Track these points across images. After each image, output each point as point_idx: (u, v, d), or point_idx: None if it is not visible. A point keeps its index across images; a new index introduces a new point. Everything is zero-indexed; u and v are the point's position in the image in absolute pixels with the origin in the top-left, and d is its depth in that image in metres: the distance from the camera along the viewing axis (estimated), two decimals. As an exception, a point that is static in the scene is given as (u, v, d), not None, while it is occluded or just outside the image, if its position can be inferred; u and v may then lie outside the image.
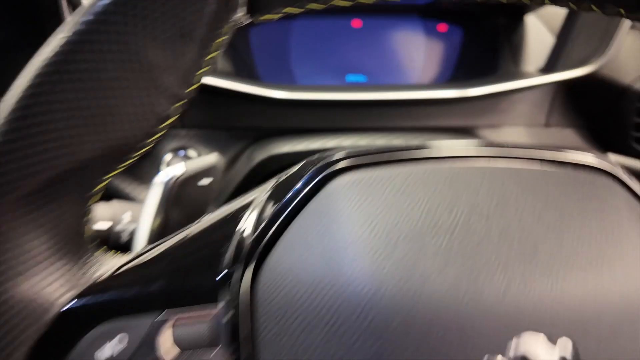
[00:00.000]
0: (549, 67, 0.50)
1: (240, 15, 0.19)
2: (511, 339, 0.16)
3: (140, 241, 0.27)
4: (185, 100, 0.20)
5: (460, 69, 0.66)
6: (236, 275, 0.19)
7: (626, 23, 0.47)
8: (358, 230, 0.18)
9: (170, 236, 0.22)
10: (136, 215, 0.30)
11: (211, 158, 0.29)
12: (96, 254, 0.21)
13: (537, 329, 0.16)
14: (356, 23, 0.67)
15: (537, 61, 0.57)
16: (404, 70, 0.68)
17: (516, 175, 0.20)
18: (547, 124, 0.59)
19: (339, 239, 0.18)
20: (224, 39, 0.19)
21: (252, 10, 0.20)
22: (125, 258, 0.22)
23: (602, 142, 0.57)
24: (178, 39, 0.18)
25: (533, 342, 0.16)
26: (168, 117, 0.19)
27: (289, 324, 0.18)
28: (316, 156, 0.22)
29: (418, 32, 0.68)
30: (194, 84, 0.19)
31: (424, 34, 0.68)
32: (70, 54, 0.17)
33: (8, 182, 0.17)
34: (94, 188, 0.20)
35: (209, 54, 0.19)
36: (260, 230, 0.20)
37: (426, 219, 0.18)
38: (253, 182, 0.44)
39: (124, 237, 0.30)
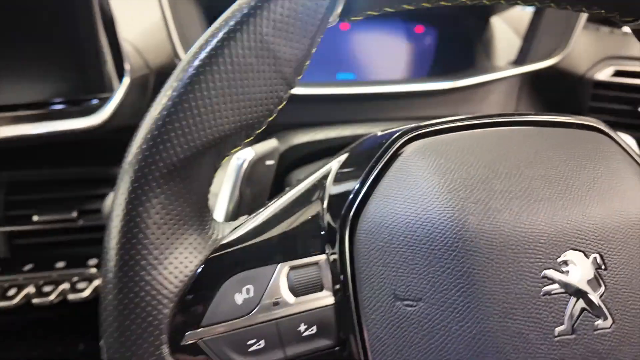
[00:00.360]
0: (520, 60, 0.58)
1: (335, 16, 0.24)
2: (559, 255, 0.22)
3: (220, 215, 0.31)
4: (293, 87, 0.24)
5: (438, 65, 0.74)
6: (337, 228, 0.24)
7: (581, 22, 0.56)
8: (439, 181, 0.23)
9: (266, 206, 0.27)
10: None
11: (272, 142, 0.33)
12: (212, 220, 0.25)
13: (575, 247, 0.22)
14: (344, 25, 0.72)
15: (505, 56, 0.66)
16: (388, 68, 0.75)
17: (545, 134, 0.26)
18: (516, 110, 0.68)
19: (425, 189, 0.23)
20: (321, 36, 0.24)
21: (345, 12, 0.24)
22: (233, 225, 0.26)
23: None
24: (298, 37, 0.22)
25: (574, 258, 0.22)
26: (282, 101, 0.24)
27: (390, 258, 0.23)
28: (380, 132, 0.28)
29: (398, 33, 0.74)
30: (300, 74, 0.24)
31: (403, 35, 0.75)
32: (224, 49, 0.21)
33: (168, 155, 0.21)
34: (221, 160, 0.24)
35: (312, 49, 0.24)
36: (354, 190, 0.24)
37: (488, 169, 0.24)
38: (280, 170, 0.48)
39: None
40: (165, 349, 0.21)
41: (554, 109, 0.65)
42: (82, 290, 0.48)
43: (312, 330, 0.23)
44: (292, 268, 0.24)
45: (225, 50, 0.21)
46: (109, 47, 0.44)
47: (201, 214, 0.24)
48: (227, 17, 0.22)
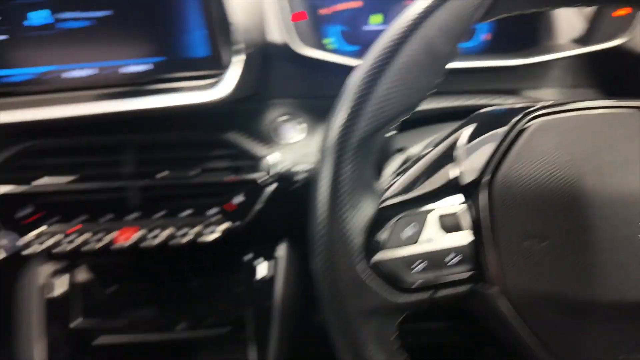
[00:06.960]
0: (585, 39, 0.63)
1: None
2: None
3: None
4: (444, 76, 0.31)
5: (497, 41, 0.78)
6: (478, 184, 0.32)
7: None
8: (560, 153, 0.31)
9: (407, 166, 0.34)
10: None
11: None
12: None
13: None
14: None
15: (567, 35, 0.70)
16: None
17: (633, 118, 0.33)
18: (575, 85, 0.73)
19: (550, 159, 0.31)
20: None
21: (490, 11, 0.31)
22: (385, 183, 0.34)
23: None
24: (458, 38, 0.29)
25: None
26: (435, 87, 0.31)
27: (522, 208, 0.30)
28: (506, 107, 0.35)
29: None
30: (445, 71, 0.31)
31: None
32: (396, 52, 0.28)
33: (360, 132, 0.29)
34: (388, 135, 0.31)
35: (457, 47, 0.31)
36: (490, 154, 0.32)
37: (597, 144, 0.31)
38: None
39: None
40: (361, 265, 0.30)
41: (614, 87, 0.70)
42: (211, 233, 0.57)
43: (457, 257, 0.31)
44: (442, 215, 0.32)
45: (400, 52, 0.28)
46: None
47: (375, 176, 0.32)
48: (401, 26, 0.29)
